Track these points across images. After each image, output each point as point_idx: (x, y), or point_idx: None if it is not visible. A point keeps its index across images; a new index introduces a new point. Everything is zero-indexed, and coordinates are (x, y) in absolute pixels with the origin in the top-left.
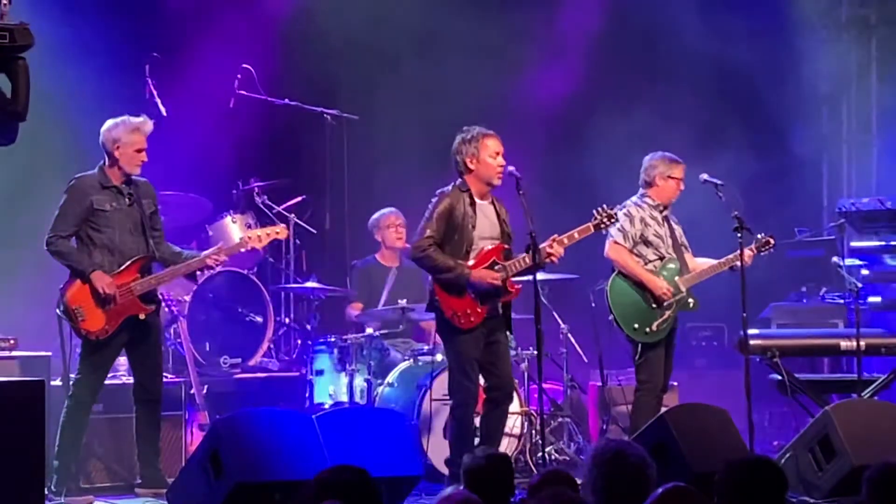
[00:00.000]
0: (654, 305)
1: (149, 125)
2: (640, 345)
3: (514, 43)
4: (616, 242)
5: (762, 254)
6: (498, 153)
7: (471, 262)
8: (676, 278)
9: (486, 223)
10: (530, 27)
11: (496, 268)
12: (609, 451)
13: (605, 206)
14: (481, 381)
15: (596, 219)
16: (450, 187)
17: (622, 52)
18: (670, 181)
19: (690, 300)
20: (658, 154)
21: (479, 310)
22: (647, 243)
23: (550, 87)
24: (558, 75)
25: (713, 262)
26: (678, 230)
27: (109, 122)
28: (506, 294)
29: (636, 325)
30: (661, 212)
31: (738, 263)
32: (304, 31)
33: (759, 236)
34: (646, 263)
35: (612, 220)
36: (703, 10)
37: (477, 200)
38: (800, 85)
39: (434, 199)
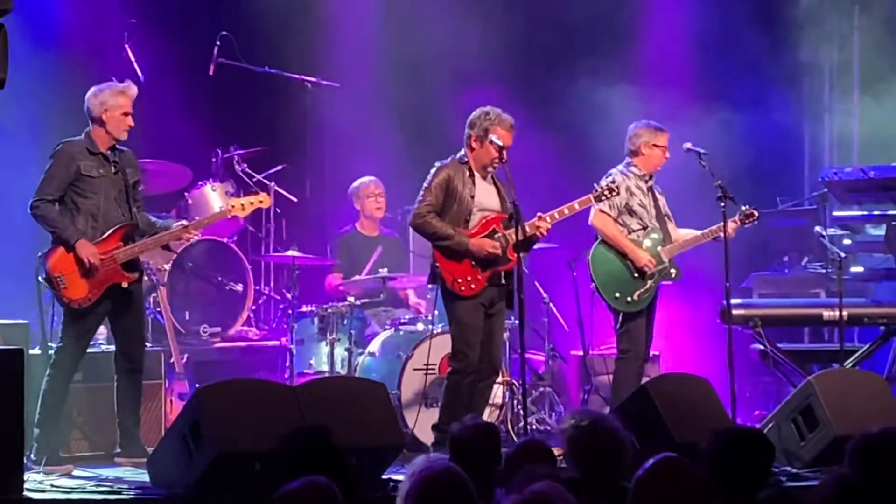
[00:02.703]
0: (635, 275)
1: (133, 89)
2: (621, 313)
3: (498, 10)
4: (601, 211)
5: (746, 226)
6: (503, 148)
7: (471, 231)
8: (659, 248)
9: (485, 195)
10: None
11: (496, 236)
12: (581, 426)
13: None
14: None
15: (597, 191)
16: (449, 159)
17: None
18: (655, 150)
19: (673, 270)
20: (642, 122)
21: (480, 277)
22: (631, 213)
23: (535, 51)
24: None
25: (696, 232)
26: (662, 200)
27: (94, 88)
28: (506, 262)
29: (617, 294)
30: (646, 181)
31: (722, 234)
32: None
33: (743, 208)
34: (630, 233)
35: (615, 193)
36: None
37: (476, 173)
38: (780, 53)
39: (432, 171)
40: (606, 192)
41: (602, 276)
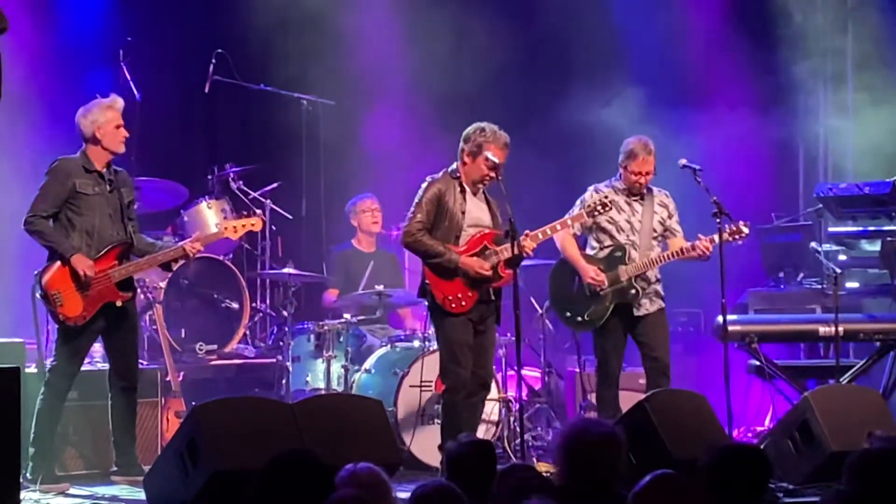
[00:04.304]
0: (588, 293)
1: (120, 101)
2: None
3: (490, 28)
4: None
5: (736, 242)
6: (495, 166)
7: (462, 248)
8: (621, 267)
9: (476, 212)
10: (511, 16)
11: (486, 253)
12: (572, 430)
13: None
14: None
15: (589, 206)
16: (440, 173)
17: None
18: (629, 173)
19: (632, 290)
20: (631, 139)
21: (471, 294)
22: (601, 230)
23: (531, 70)
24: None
25: (664, 252)
26: (661, 215)
27: (81, 109)
28: (497, 279)
29: (568, 314)
30: (627, 196)
31: (699, 253)
32: (280, 17)
33: (731, 226)
34: (601, 249)
35: (607, 208)
36: None
37: (467, 189)
38: (775, 68)
39: (423, 185)
40: (599, 208)
41: (555, 293)
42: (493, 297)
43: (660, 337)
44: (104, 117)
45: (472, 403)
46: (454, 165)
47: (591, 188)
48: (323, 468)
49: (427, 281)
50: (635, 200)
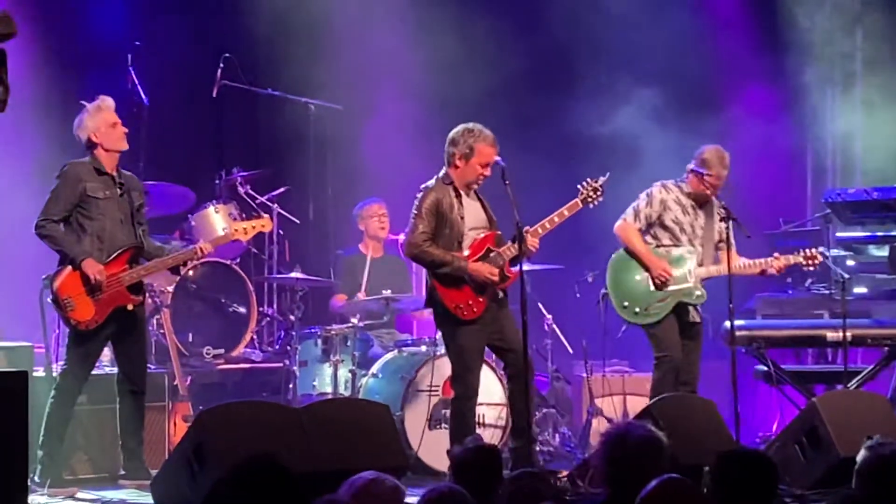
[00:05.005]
0: (652, 287)
1: (109, 101)
2: (638, 325)
3: (497, 34)
4: (625, 220)
5: (807, 268)
6: (488, 164)
7: (466, 253)
8: (688, 268)
9: (472, 213)
10: (517, 21)
11: (491, 256)
12: (612, 433)
13: (589, 179)
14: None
15: (582, 193)
16: (433, 181)
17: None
18: (707, 179)
19: (696, 292)
20: (710, 147)
21: (481, 299)
22: (663, 227)
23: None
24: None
25: (745, 261)
26: (720, 226)
27: (75, 121)
28: (504, 280)
29: (626, 303)
30: (694, 200)
31: (768, 269)
32: (288, 22)
33: (805, 251)
34: (657, 246)
35: (599, 193)
36: None
37: (461, 192)
38: (783, 73)
39: (419, 195)
40: (591, 194)
41: (615, 282)
42: (501, 295)
43: (693, 358)
44: (95, 121)
45: (519, 387)
46: (443, 171)
47: (658, 184)
48: (289, 475)
49: (436, 291)
50: (699, 206)
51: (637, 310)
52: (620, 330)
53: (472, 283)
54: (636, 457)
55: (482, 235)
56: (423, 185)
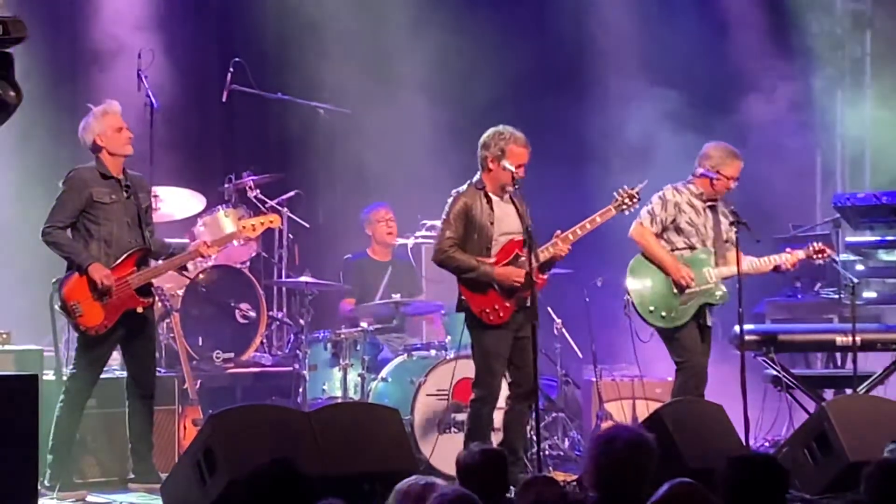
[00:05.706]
0: (675, 291)
1: (115, 105)
2: (665, 329)
3: (508, 39)
4: (641, 224)
5: (817, 261)
6: (521, 165)
7: (493, 259)
8: (707, 269)
9: (505, 219)
10: (526, 26)
11: (520, 261)
12: (600, 437)
13: (626, 186)
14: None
15: (617, 200)
16: (465, 186)
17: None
18: (720, 177)
19: (718, 292)
20: (720, 145)
21: (508, 304)
22: (678, 230)
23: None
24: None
25: (756, 260)
26: (727, 226)
27: (80, 125)
28: (530, 286)
29: (651, 308)
30: (703, 201)
31: (781, 265)
32: (297, 26)
33: (813, 244)
34: (673, 250)
35: (635, 201)
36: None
37: (493, 197)
38: (792, 77)
39: (449, 200)
40: (627, 201)
41: (638, 288)
42: (529, 304)
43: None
44: (100, 125)
45: (519, 411)
46: (477, 176)
47: (669, 186)
48: (305, 479)
49: (463, 297)
50: (707, 207)
51: (664, 314)
52: (648, 334)
53: (498, 288)
54: (625, 460)
55: (513, 239)
56: (454, 190)
